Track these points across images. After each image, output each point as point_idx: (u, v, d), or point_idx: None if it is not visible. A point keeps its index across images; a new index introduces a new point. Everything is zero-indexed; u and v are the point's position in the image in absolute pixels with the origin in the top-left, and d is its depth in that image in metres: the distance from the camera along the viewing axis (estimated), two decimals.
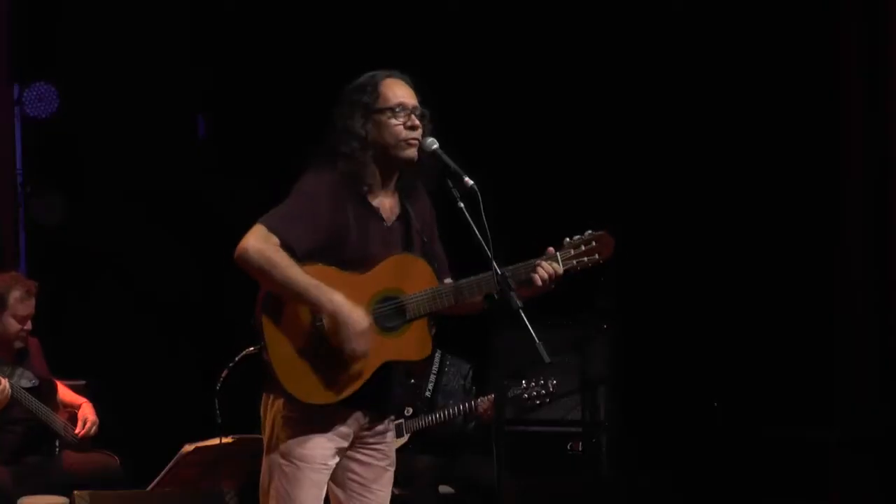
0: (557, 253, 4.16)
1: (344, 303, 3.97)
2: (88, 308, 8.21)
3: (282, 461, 4.08)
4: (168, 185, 8.46)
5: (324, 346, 4.01)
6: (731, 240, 7.93)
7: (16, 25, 8.07)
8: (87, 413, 6.58)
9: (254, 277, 4.01)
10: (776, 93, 7.83)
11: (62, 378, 6.69)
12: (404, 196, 4.23)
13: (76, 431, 6.48)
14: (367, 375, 4.06)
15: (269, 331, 4.01)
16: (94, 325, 8.22)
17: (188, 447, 6.16)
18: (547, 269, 4.11)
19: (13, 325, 6.41)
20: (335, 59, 7.81)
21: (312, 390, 4.02)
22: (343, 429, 4.12)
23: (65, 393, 6.63)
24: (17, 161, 8.52)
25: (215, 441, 6.23)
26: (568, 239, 4.19)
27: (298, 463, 4.07)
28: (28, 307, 6.44)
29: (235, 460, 6.42)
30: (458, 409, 6.82)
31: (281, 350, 4.00)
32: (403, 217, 4.22)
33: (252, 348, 4.09)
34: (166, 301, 8.39)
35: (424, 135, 4.15)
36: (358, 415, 4.14)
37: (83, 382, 6.96)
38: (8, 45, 8.08)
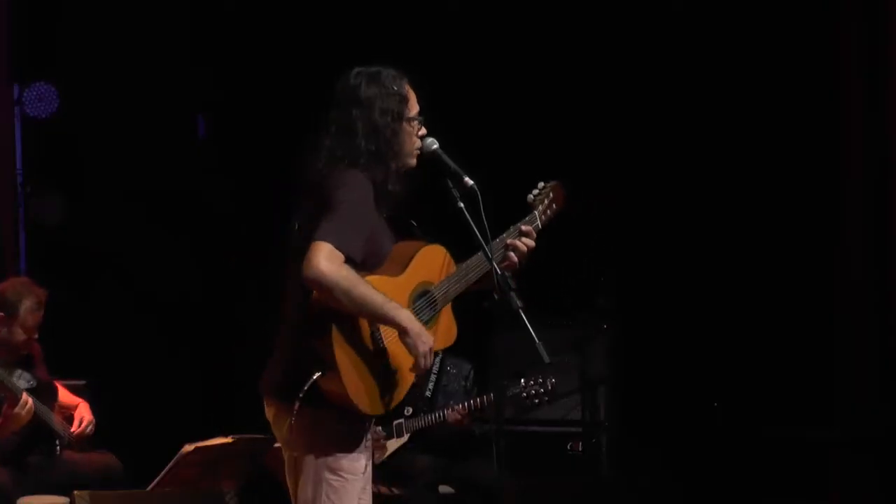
0: (535, 212, 4.37)
1: (415, 322, 4.03)
2: (88, 308, 8.21)
3: (330, 476, 4.08)
4: (168, 185, 8.46)
5: (381, 356, 4.05)
6: (731, 240, 7.93)
7: (16, 25, 8.07)
8: (84, 413, 6.57)
9: (328, 297, 3.96)
10: (776, 93, 7.83)
11: (62, 378, 6.69)
12: None
13: (72, 429, 6.48)
14: (411, 379, 4.12)
15: (339, 350, 3.98)
16: (94, 325, 8.21)
17: (188, 447, 6.16)
18: (521, 246, 4.26)
19: (20, 335, 6.40)
20: (335, 59, 7.80)
21: (374, 402, 4.05)
22: (369, 435, 4.17)
23: (63, 395, 6.63)
24: (17, 161, 8.52)
25: (215, 441, 6.24)
26: (531, 196, 4.41)
27: (348, 476, 4.09)
28: (36, 318, 6.43)
29: (235, 460, 6.42)
30: (447, 415, 6.82)
31: (348, 367, 3.99)
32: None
33: (320, 373, 4.05)
34: (166, 301, 8.39)
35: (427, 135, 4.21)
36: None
37: (83, 382, 6.96)
38: (8, 45, 8.08)
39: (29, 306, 6.38)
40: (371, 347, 4.04)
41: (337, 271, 3.93)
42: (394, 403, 4.10)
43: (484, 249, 4.07)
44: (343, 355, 3.99)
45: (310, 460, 4.12)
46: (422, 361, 4.04)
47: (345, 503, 4.09)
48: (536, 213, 4.37)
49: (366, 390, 4.02)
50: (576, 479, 7.37)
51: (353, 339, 4.01)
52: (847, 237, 7.20)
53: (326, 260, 3.93)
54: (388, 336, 4.05)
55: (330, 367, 3.98)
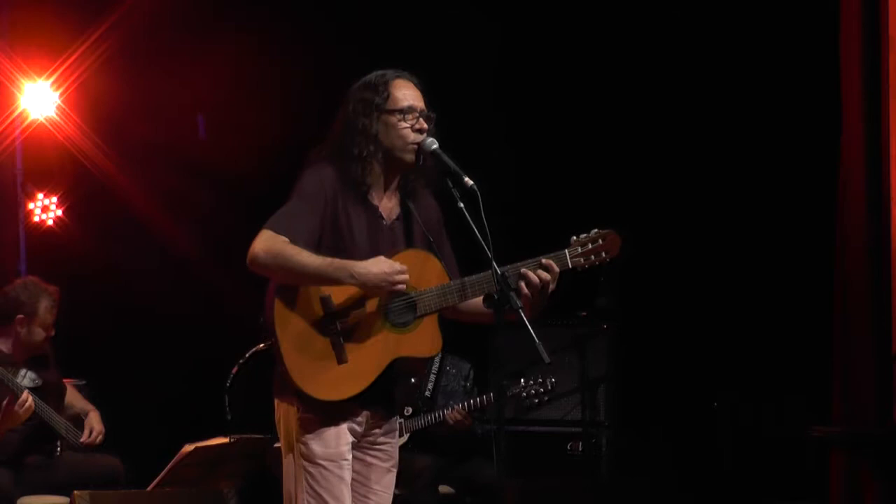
0: (565, 250, 4.18)
1: (362, 266, 4.01)
2: (88, 308, 8.20)
3: (306, 464, 4.10)
4: (168, 185, 8.46)
5: (336, 341, 4.04)
6: (731, 239, 7.93)
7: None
8: (95, 423, 6.57)
9: (270, 276, 4.04)
10: (776, 93, 7.82)
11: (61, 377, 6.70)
12: (407, 197, 4.25)
13: (82, 440, 6.47)
14: (378, 371, 4.09)
15: (281, 331, 4.02)
16: (94, 325, 8.21)
17: (188, 447, 6.17)
18: (533, 278, 4.10)
19: (40, 335, 6.44)
20: (335, 59, 7.81)
21: (326, 387, 4.03)
22: (355, 426, 4.15)
23: (73, 396, 6.63)
24: (18, 161, 8.52)
25: (215, 441, 6.24)
26: (575, 237, 4.21)
27: (324, 462, 4.09)
28: (54, 315, 6.47)
29: (235, 460, 6.43)
30: (447, 416, 6.82)
31: (292, 348, 4.02)
32: (405, 217, 4.24)
33: (262, 345, 4.08)
34: (166, 301, 8.39)
35: (428, 136, 4.17)
36: (367, 413, 4.16)
37: (83, 382, 6.97)
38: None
39: (46, 305, 6.44)
40: (323, 332, 4.04)
41: (271, 248, 3.98)
42: (354, 391, 4.06)
43: (485, 249, 4.05)
44: (285, 334, 4.01)
45: (287, 451, 4.16)
46: (395, 285, 4.01)
47: (324, 489, 4.09)
48: (567, 251, 4.16)
49: (312, 372, 4.02)
50: (576, 479, 7.36)
51: (301, 320, 4.02)
52: (847, 237, 7.19)
53: (262, 242, 3.99)
54: (344, 321, 4.04)
55: (274, 345, 4.01)
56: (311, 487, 4.09)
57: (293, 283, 4.02)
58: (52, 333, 6.48)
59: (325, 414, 4.08)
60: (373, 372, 4.08)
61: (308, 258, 3.99)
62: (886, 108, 6.88)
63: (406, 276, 4.05)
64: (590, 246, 4.19)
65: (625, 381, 7.65)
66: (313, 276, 4.01)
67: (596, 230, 4.22)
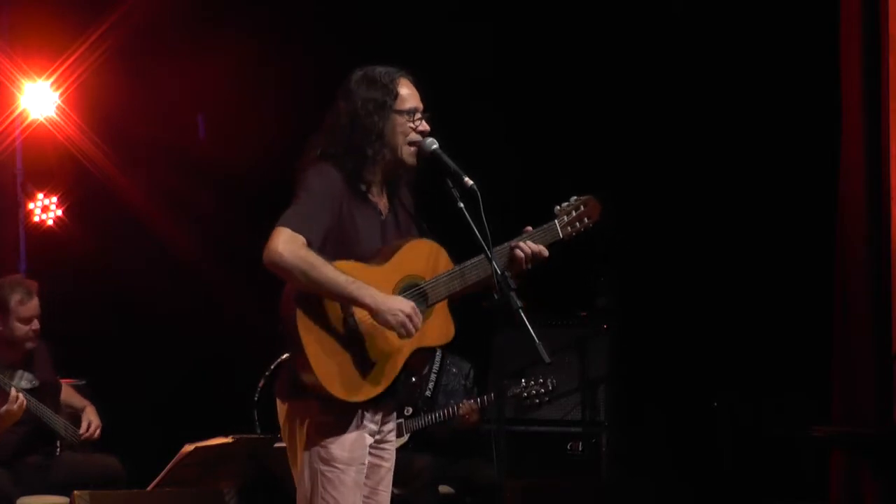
0: (554, 221, 4.29)
1: (380, 295, 4.00)
2: (88, 308, 8.20)
3: (324, 468, 4.07)
4: (168, 185, 8.46)
5: (357, 341, 4.03)
6: (731, 239, 7.93)
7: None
8: (91, 416, 6.58)
9: (286, 279, 4.00)
10: (776, 93, 7.83)
11: (61, 377, 6.70)
12: (394, 190, 4.27)
13: (80, 433, 6.48)
14: (399, 366, 4.09)
15: (305, 334, 3.99)
16: (94, 325, 8.21)
17: (188, 447, 6.16)
18: (525, 249, 4.18)
19: (20, 329, 6.43)
20: (335, 59, 7.80)
21: (352, 388, 4.02)
22: (372, 426, 4.15)
23: (69, 394, 6.63)
24: (18, 161, 8.52)
25: (215, 441, 6.24)
26: (558, 206, 4.32)
27: (342, 466, 4.08)
28: (30, 308, 6.44)
29: (235, 460, 6.42)
30: (459, 408, 6.84)
31: (317, 352, 3.99)
32: (394, 210, 4.25)
33: (286, 356, 4.05)
34: (166, 301, 8.39)
35: (427, 136, 4.18)
36: (381, 412, 4.17)
37: (83, 382, 6.96)
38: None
39: (19, 298, 6.42)
40: (345, 333, 4.02)
41: (295, 253, 3.95)
42: (378, 391, 4.06)
43: (484, 249, 4.07)
44: (310, 338, 3.98)
45: (303, 453, 4.12)
46: (402, 332, 4.01)
47: (342, 493, 4.07)
48: (556, 222, 4.29)
49: (339, 374, 3.99)
50: (576, 479, 7.37)
51: (323, 323, 4.00)
52: (847, 236, 7.19)
53: (284, 243, 3.96)
54: (365, 322, 4.03)
55: (297, 349, 3.99)
56: (329, 491, 4.07)
57: (308, 291, 3.99)
58: (35, 328, 6.46)
59: (345, 416, 4.07)
60: (395, 369, 4.09)
61: (332, 273, 3.97)
62: (886, 108, 6.88)
63: (416, 328, 4.03)
64: (573, 213, 4.33)
65: (625, 381, 7.65)
66: (333, 292, 3.98)
67: (576, 197, 4.35)
